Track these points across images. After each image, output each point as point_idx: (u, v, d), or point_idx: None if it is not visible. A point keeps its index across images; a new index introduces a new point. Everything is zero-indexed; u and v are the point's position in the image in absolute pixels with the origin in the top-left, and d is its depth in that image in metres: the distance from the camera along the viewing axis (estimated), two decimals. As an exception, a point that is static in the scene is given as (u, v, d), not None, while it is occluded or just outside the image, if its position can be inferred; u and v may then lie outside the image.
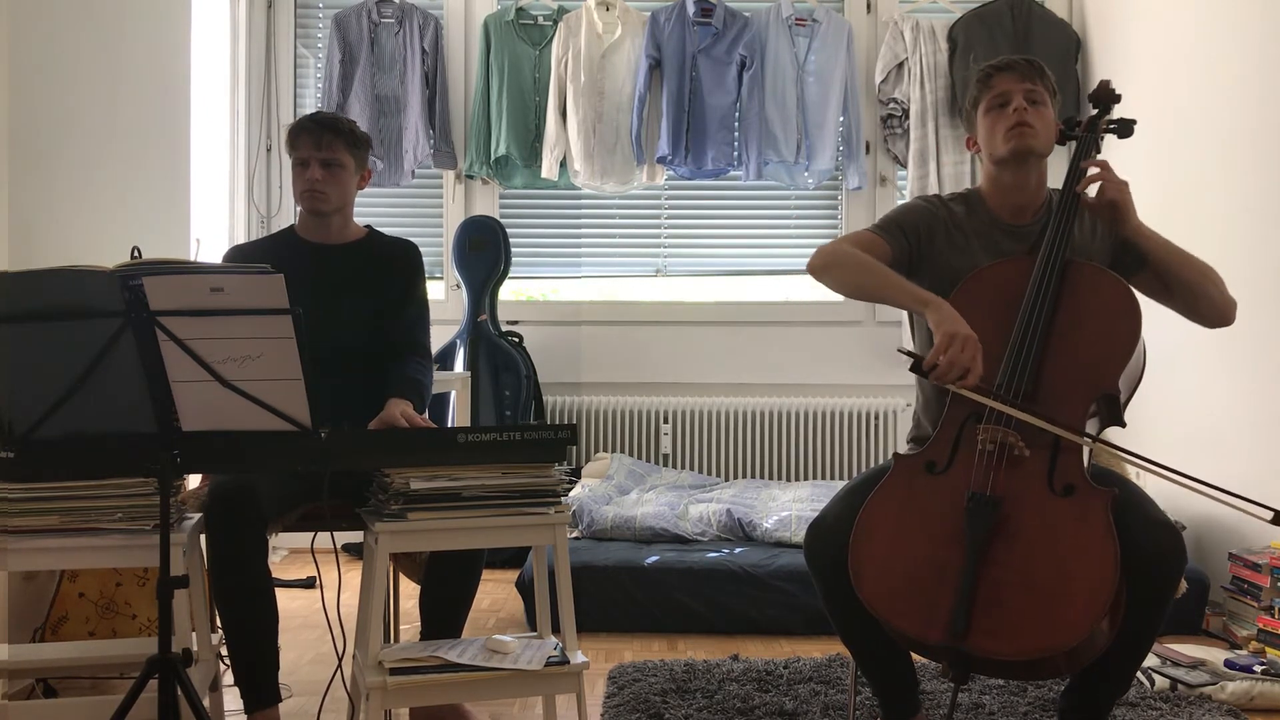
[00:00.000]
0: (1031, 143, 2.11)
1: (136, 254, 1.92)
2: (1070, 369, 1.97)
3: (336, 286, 2.52)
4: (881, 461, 3.61)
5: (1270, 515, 1.74)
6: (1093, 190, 2.07)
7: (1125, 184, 2.04)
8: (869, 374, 4.77)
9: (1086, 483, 1.87)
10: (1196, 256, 2.09)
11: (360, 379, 2.46)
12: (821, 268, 2.12)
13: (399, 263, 2.62)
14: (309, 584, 3.97)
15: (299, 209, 2.59)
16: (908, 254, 2.18)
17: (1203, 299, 2.05)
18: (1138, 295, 2.06)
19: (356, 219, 2.67)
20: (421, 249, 2.71)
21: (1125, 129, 2.23)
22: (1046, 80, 2.16)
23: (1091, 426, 1.98)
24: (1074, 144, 2.21)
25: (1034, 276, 2.03)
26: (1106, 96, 2.26)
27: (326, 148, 2.50)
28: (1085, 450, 1.93)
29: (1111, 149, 4.47)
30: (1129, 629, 1.84)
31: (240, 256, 2.62)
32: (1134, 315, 1.98)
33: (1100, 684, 1.98)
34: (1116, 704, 2.59)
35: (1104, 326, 1.98)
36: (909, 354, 1.95)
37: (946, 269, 2.17)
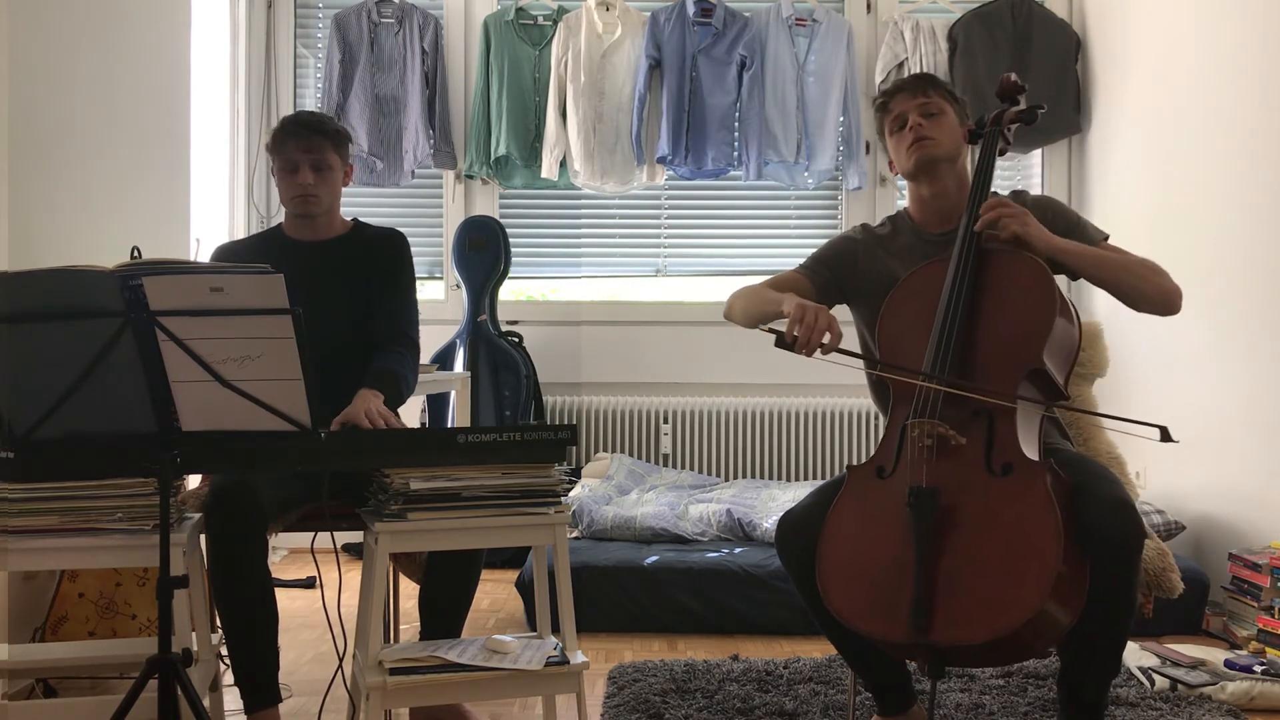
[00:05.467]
0: (933, 152, 2.21)
1: (136, 254, 1.92)
2: (995, 349, 2.02)
3: (327, 281, 2.51)
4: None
5: (1158, 434, 1.81)
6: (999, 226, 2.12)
7: (1024, 213, 2.09)
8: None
9: (1023, 458, 1.90)
10: (1129, 255, 2.14)
11: (354, 372, 2.44)
12: (729, 309, 2.34)
13: (385, 251, 2.61)
14: (309, 584, 3.97)
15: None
16: (832, 284, 2.33)
17: (1140, 299, 2.11)
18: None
19: (356, 219, 2.68)
20: (421, 249, 2.73)
21: (1030, 116, 2.28)
22: (939, 88, 2.26)
23: (1035, 407, 2.00)
24: (984, 141, 2.27)
25: (950, 266, 2.10)
26: (1010, 89, 2.32)
27: (315, 150, 2.50)
28: (1021, 425, 1.95)
29: (1111, 149, 4.49)
30: (1099, 604, 1.85)
31: (228, 254, 2.62)
32: (1049, 290, 2.02)
33: (1087, 664, 1.99)
34: (1116, 704, 2.60)
35: (1021, 304, 2.03)
36: (771, 330, 2.06)
37: (876, 288, 2.26)
